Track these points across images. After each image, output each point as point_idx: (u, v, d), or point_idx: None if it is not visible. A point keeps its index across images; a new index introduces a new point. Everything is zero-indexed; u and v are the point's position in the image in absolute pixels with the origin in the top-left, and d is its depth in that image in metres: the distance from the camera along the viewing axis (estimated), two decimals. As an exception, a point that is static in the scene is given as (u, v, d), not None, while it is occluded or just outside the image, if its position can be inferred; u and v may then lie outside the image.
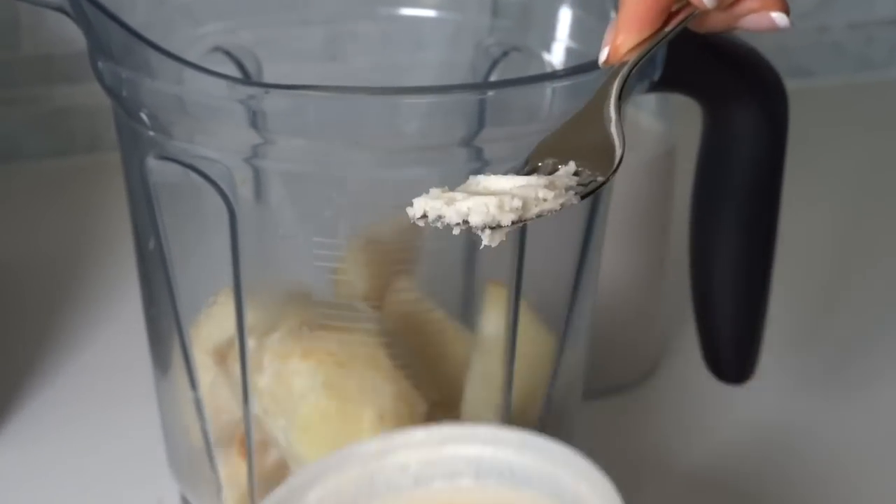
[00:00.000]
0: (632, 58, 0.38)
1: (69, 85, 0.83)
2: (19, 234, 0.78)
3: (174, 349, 0.49)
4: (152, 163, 0.44)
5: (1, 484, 0.59)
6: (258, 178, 0.44)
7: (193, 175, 0.43)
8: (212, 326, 0.49)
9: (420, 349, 0.48)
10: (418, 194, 0.45)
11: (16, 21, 0.80)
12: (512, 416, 0.47)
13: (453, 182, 0.44)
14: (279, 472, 0.48)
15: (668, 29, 0.39)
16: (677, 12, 0.39)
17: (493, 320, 0.48)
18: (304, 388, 0.45)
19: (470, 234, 0.37)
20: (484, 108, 0.42)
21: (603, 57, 0.39)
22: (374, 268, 0.48)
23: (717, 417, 0.64)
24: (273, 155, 0.42)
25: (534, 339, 0.48)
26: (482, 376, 0.48)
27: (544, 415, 0.49)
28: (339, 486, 0.41)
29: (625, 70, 0.38)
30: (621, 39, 0.39)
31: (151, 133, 0.43)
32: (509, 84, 0.44)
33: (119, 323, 0.70)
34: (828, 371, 0.68)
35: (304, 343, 0.46)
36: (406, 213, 0.35)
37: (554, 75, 0.47)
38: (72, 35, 0.81)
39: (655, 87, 0.45)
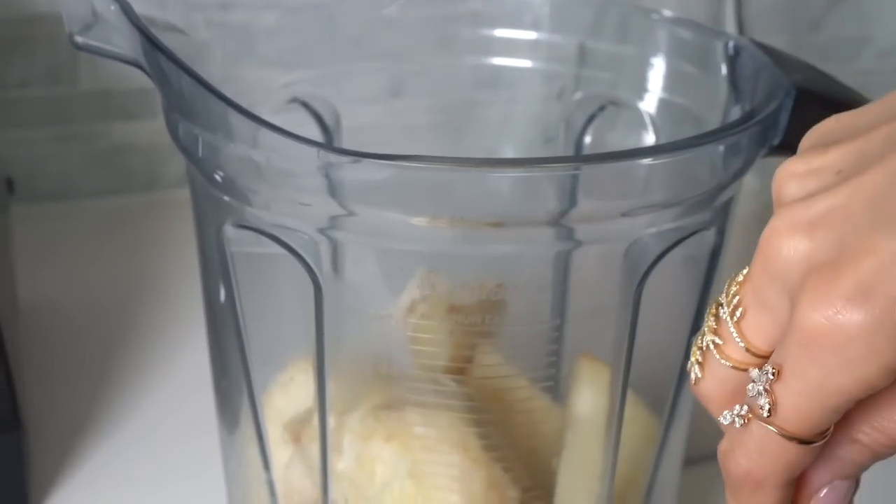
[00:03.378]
0: None
1: (127, 122, 0.81)
2: (74, 275, 0.75)
3: (244, 420, 0.46)
4: (230, 231, 0.40)
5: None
6: (336, 249, 0.40)
7: (273, 245, 0.40)
8: (287, 400, 0.46)
9: (507, 426, 0.45)
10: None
11: (74, 56, 0.78)
12: (611, 505, 0.44)
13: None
14: (356, 559, 0.45)
15: None
16: None
17: (589, 400, 0.45)
18: (388, 476, 0.42)
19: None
20: (577, 184, 0.38)
21: None
22: (457, 337, 0.44)
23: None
24: (353, 227, 0.39)
25: (636, 421, 0.45)
26: (579, 462, 0.44)
27: (645, 502, 0.45)
28: None
29: None
30: None
31: (228, 199, 0.40)
32: (608, 158, 0.39)
33: (182, 374, 0.67)
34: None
35: (387, 424, 0.42)
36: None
37: (657, 150, 0.42)
38: (131, 71, 0.79)
39: (775, 152, 0.41)
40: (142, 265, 0.77)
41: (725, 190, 0.40)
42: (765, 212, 0.58)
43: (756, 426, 0.32)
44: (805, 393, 0.30)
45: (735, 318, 0.32)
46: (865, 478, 0.36)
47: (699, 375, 0.34)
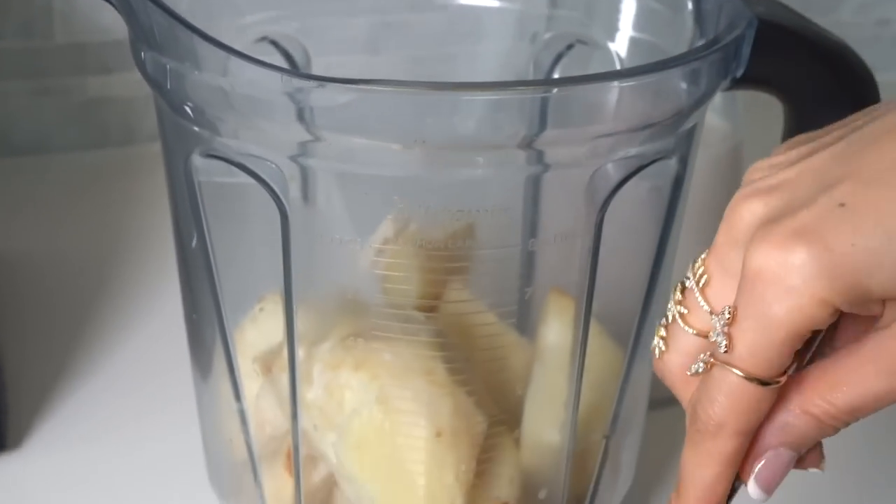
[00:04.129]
0: None
1: (103, 75, 0.81)
2: (50, 229, 0.75)
3: (217, 356, 0.46)
4: (198, 161, 0.41)
5: (31, 492, 0.56)
6: (306, 177, 0.41)
7: (241, 174, 0.40)
8: (257, 333, 0.46)
9: (477, 360, 0.45)
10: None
11: (49, 8, 0.78)
12: (577, 433, 0.44)
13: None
14: (327, 489, 0.46)
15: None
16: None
17: (555, 330, 0.45)
18: (357, 403, 0.42)
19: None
20: (547, 107, 0.39)
21: None
22: (428, 274, 0.45)
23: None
24: (322, 153, 0.39)
25: (600, 351, 0.45)
26: (545, 390, 0.45)
27: (610, 433, 0.46)
28: None
29: None
30: None
31: (196, 129, 0.40)
32: (576, 82, 0.41)
33: (156, 322, 0.67)
34: None
35: (355, 353, 0.43)
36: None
37: (622, 73, 0.43)
38: (107, 24, 0.79)
39: (737, 85, 0.42)
40: (117, 219, 0.77)
41: (689, 118, 0.40)
42: (734, 153, 0.59)
43: (716, 370, 0.34)
44: (753, 328, 0.33)
45: (700, 285, 0.35)
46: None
47: (663, 349, 0.36)
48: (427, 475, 0.42)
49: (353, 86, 0.36)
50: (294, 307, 0.42)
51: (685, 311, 0.35)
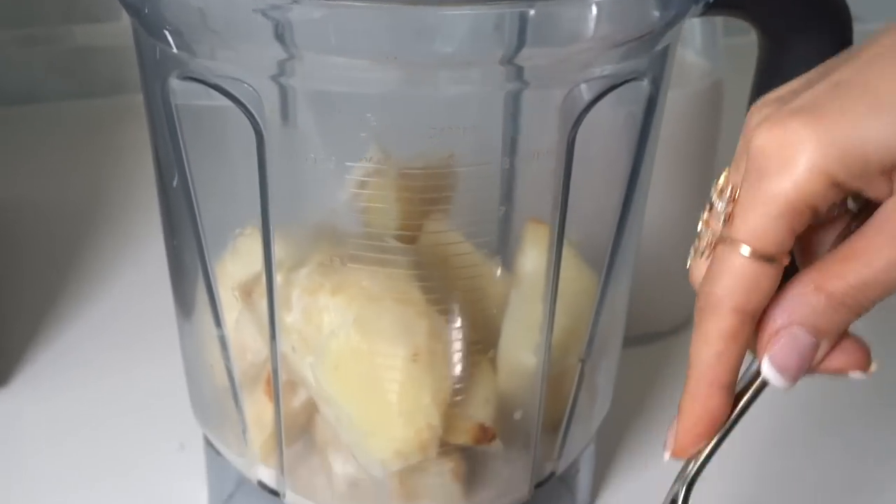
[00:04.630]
0: (695, 459, 0.37)
1: (91, 24, 0.81)
2: (39, 177, 0.76)
3: (198, 287, 0.47)
4: (175, 83, 0.41)
5: (20, 426, 0.57)
6: (285, 98, 0.41)
7: (219, 97, 0.40)
8: (237, 263, 0.47)
9: (456, 289, 0.46)
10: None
11: (36, -42, 0.78)
12: (552, 356, 0.45)
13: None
14: (307, 413, 0.46)
15: (734, 416, 0.37)
16: (743, 391, 0.37)
17: (532, 258, 0.46)
18: (334, 325, 0.43)
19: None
20: (526, 25, 0.39)
21: (666, 457, 0.37)
22: (407, 204, 0.45)
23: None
24: (300, 72, 0.40)
25: (575, 277, 0.46)
26: (521, 315, 0.45)
27: (585, 357, 0.47)
28: None
29: (690, 476, 0.37)
30: (681, 444, 0.37)
31: (175, 51, 0.40)
32: None
33: (141, 265, 0.68)
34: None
35: (333, 278, 0.43)
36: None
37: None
38: (94, -28, 0.79)
39: (710, 9, 0.42)
40: (106, 167, 0.78)
41: (662, 38, 0.41)
42: (714, 90, 0.59)
43: (719, 248, 0.35)
44: (751, 202, 0.34)
45: (720, 193, 0.36)
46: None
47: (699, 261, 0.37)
48: (403, 396, 0.43)
49: (329, 1, 0.37)
50: (271, 229, 0.42)
51: (708, 218, 0.36)
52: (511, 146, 0.43)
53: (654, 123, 0.44)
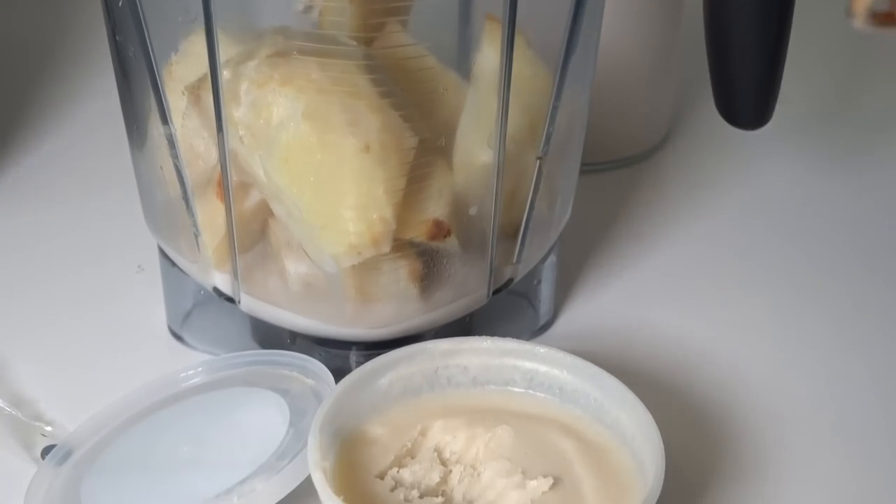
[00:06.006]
0: None
1: None
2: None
3: (146, 90, 0.46)
4: None
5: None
6: None
7: None
8: (185, 65, 0.46)
9: (412, 94, 0.45)
10: None
11: None
12: (507, 151, 0.44)
13: None
14: (260, 219, 0.46)
15: None
16: None
17: (488, 56, 0.45)
18: (284, 118, 0.42)
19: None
20: None
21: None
22: (363, 6, 0.44)
23: (722, 194, 0.62)
24: None
25: (530, 75, 0.45)
26: (477, 111, 0.44)
27: (542, 154, 0.46)
28: (409, 374, 0.45)
29: None
30: None
31: None
32: None
33: (96, 97, 0.67)
34: (841, 145, 0.65)
35: (283, 69, 0.42)
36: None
37: None
38: None
39: None
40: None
41: None
42: None
43: None
44: None
45: None
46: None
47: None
48: (356, 189, 0.42)
49: None
50: (213, 15, 0.41)
51: None
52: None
53: None
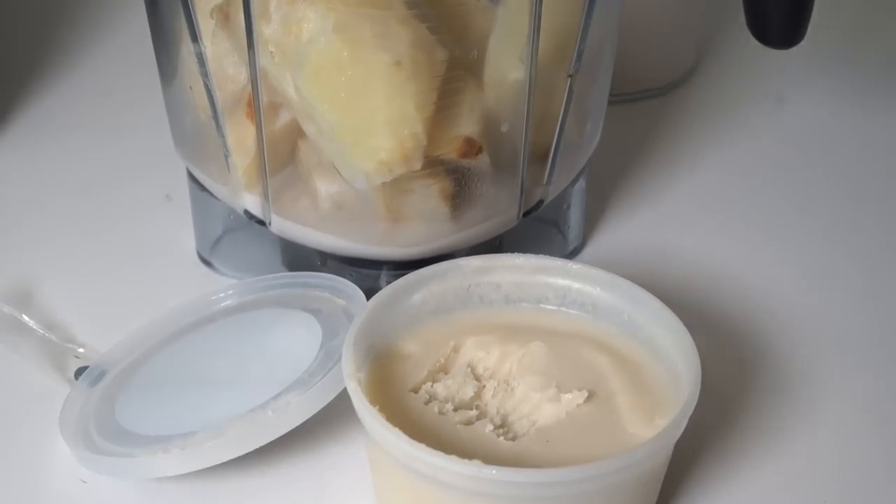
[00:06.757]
0: None
1: None
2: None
3: (177, 16, 0.45)
4: None
5: (8, 184, 0.56)
6: None
7: None
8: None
9: (443, 8, 0.44)
10: None
11: None
12: (538, 68, 0.44)
13: None
14: (290, 140, 0.45)
15: None
16: None
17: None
18: (314, 33, 0.42)
19: None
20: None
21: None
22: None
23: (752, 123, 0.61)
24: None
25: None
26: (508, 26, 0.44)
27: (573, 72, 0.45)
28: (441, 291, 0.44)
29: None
30: None
31: None
32: None
33: (127, 22, 0.67)
34: (875, 72, 0.65)
35: (312, -14, 0.42)
36: None
37: None
38: None
39: None
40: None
41: None
42: None
43: None
44: None
45: None
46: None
47: None
48: (387, 104, 0.42)
49: None
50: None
51: None
52: None
53: None
